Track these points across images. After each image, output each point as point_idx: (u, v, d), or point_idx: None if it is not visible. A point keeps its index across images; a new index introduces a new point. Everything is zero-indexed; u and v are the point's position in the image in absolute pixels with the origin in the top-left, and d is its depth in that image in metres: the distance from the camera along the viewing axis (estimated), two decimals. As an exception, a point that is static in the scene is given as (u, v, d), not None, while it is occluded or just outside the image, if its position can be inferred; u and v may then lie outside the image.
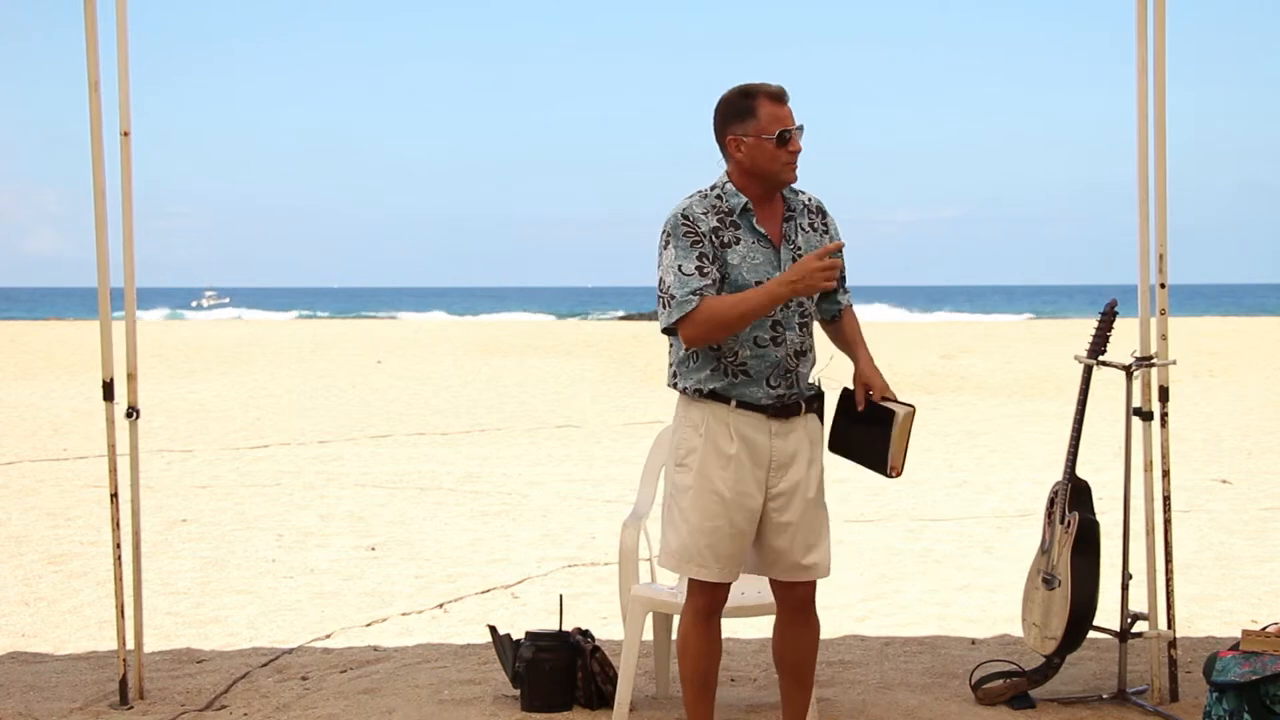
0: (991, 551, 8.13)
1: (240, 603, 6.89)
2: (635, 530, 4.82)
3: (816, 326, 4.11)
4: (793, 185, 3.98)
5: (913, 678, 5.21)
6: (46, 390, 19.52)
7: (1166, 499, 4.93)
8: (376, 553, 8.20)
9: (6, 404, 17.75)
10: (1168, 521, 4.92)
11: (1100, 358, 4.94)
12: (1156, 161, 4.84)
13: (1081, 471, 4.92)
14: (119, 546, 4.91)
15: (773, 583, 4.08)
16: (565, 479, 11.30)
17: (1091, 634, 4.85)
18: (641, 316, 48.51)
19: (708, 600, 4.00)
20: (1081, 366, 4.96)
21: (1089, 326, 5.14)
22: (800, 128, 3.90)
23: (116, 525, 4.90)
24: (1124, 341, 5.01)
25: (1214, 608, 6.56)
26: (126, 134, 4.88)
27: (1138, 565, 4.93)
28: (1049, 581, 4.82)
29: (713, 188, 3.95)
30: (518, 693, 4.86)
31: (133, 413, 4.92)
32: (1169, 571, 4.92)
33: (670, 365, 4.03)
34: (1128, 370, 4.90)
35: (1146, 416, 4.92)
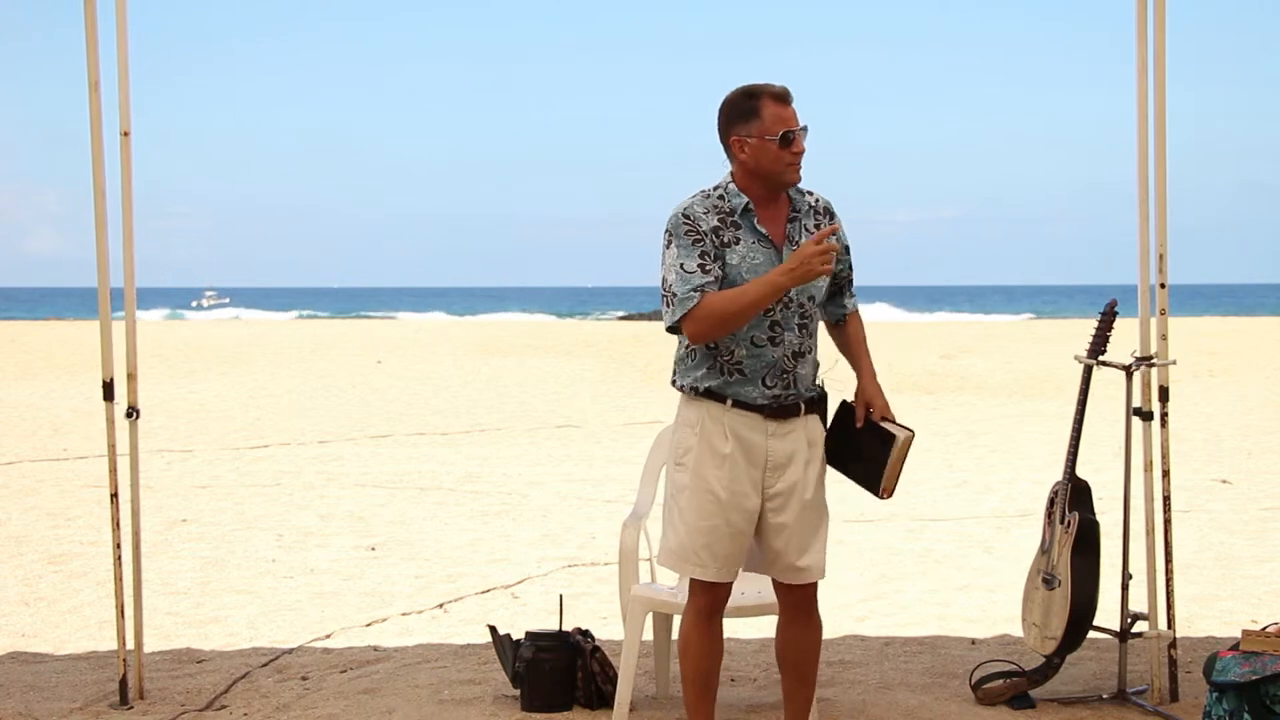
0: (991, 551, 8.14)
1: (240, 603, 6.89)
2: (635, 530, 4.82)
3: (823, 330, 4.10)
4: (800, 186, 3.98)
5: (913, 678, 5.21)
6: (46, 390, 19.52)
7: (1166, 499, 4.93)
8: (376, 553, 8.20)
9: (6, 404, 17.75)
10: (1168, 521, 4.92)
11: (1100, 358, 4.94)
12: (1156, 161, 4.84)
13: (1081, 471, 4.92)
14: (119, 546, 4.91)
15: (774, 582, 4.09)
16: (565, 479, 11.30)
17: (1091, 634, 4.85)
18: (642, 316, 48.50)
19: (709, 599, 4.00)
20: (1081, 366, 4.96)
21: (1089, 326, 5.14)
22: (804, 128, 3.89)
23: (116, 525, 4.90)
24: (1124, 341, 5.01)
25: (1214, 608, 6.56)
26: (126, 134, 4.88)
27: (1138, 565, 4.93)
28: (1049, 581, 4.82)
29: (716, 188, 3.95)
30: (518, 693, 4.86)
31: (133, 413, 4.92)
32: (1169, 571, 4.92)
33: (674, 364, 4.04)
34: (1128, 370, 4.90)
35: (1146, 416, 4.92)
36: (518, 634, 5.03)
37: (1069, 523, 4.79)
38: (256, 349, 26.83)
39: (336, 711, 4.80)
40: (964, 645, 5.75)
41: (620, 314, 60.42)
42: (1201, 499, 9.82)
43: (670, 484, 4.03)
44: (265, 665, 5.52)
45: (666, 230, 3.90)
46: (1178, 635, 4.97)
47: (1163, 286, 4.90)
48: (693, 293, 3.81)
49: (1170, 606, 4.90)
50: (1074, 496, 4.84)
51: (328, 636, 6.15)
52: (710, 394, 3.92)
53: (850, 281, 4.13)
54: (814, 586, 4.06)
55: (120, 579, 4.90)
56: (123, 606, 4.92)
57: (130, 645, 4.94)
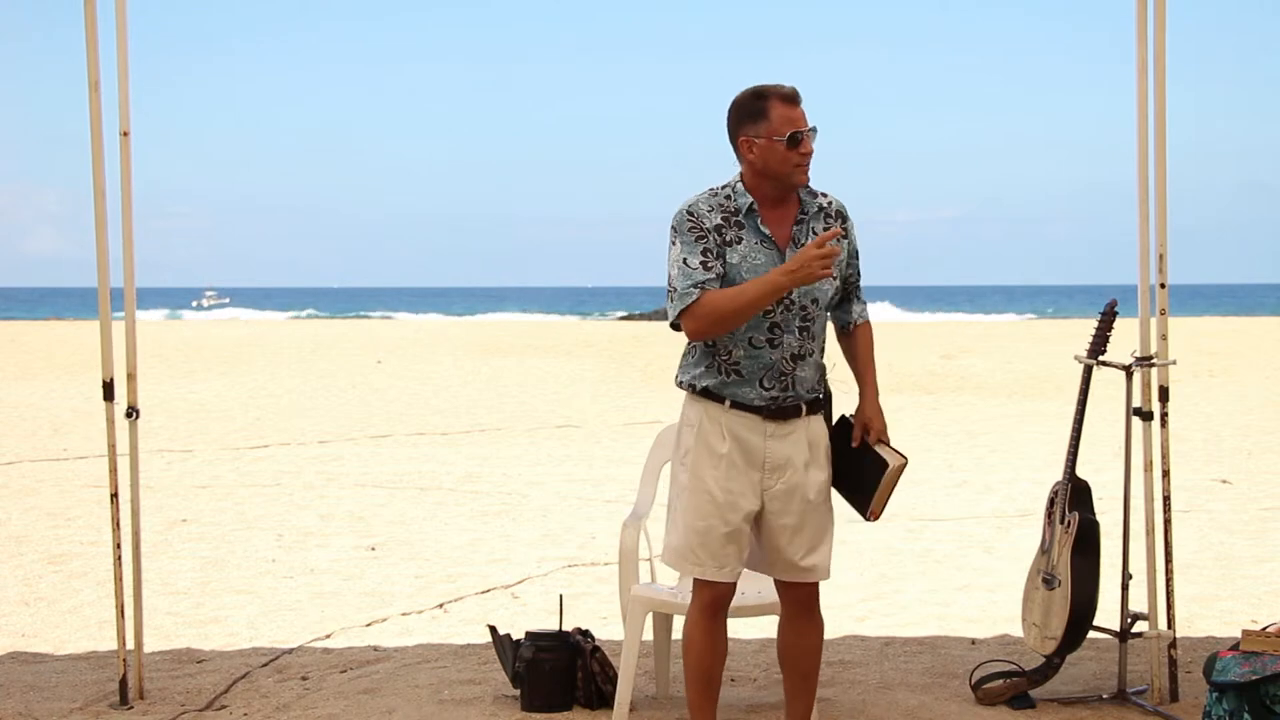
0: (991, 551, 8.13)
1: (240, 603, 6.88)
2: (635, 530, 4.82)
3: (831, 334, 4.08)
4: (813, 188, 3.98)
5: (913, 678, 5.21)
6: (46, 390, 19.52)
7: (1166, 499, 4.93)
8: (376, 553, 8.20)
9: (6, 404, 17.75)
10: (1168, 521, 4.92)
11: (1100, 358, 4.94)
12: (1156, 161, 4.84)
13: (1081, 471, 4.92)
14: (119, 546, 4.91)
15: (776, 581, 4.09)
16: (565, 479, 11.30)
17: (1091, 634, 4.85)
18: (642, 316, 48.50)
19: (710, 598, 4.00)
20: (1081, 366, 4.96)
21: (1089, 326, 5.14)
22: (813, 130, 3.88)
23: (116, 525, 4.90)
24: (1124, 341, 5.00)
25: (1214, 608, 6.56)
26: (126, 134, 4.88)
27: (1138, 565, 4.93)
28: (1049, 581, 4.82)
29: (724, 186, 3.95)
30: (518, 693, 4.86)
31: (133, 413, 4.92)
32: (1169, 571, 4.92)
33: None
34: (1128, 370, 4.90)
35: (1146, 416, 4.92)
36: (518, 634, 5.03)
37: (1069, 523, 4.79)
38: (256, 349, 26.83)
39: (336, 711, 4.80)
40: (964, 645, 5.75)
41: (620, 314, 60.41)
42: (1201, 499, 9.82)
43: (673, 483, 4.05)
44: (265, 665, 5.52)
45: (672, 227, 3.91)
46: (1178, 635, 4.97)
47: (1163, 286, 4.90)
48: (692, 289, 3.81)
49: (1170, 606, 4.90)
50: (1074, 496, 4.84)
51: (328, 636, 6.15)
52: (708, 393, 3.93)
53: (859, 288, 4.11)
54: (816, 586, 4.06)
55: (120, 579, 4.90)
56: (123, 606, 4.92)
57: (130, 645, 4.94)
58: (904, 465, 3.94)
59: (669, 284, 3.88)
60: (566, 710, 4.77)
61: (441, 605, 6.84)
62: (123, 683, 4.92)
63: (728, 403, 3.92)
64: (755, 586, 4.58)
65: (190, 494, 10.45)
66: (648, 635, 4.89)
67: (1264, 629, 4.29)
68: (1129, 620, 4.87)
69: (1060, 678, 4.96)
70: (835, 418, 4.06)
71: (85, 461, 12.27)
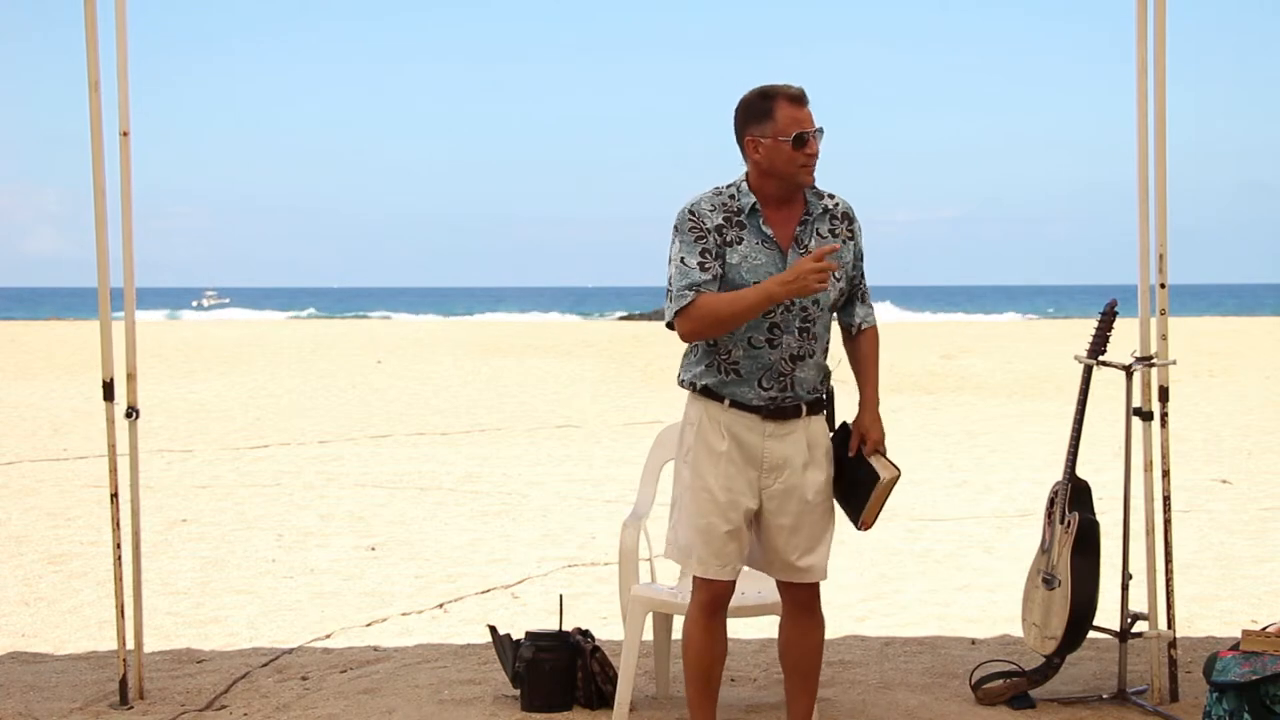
0: (991, 551, 8.14)
1: (240, 603, 6.89)
2: (635, 530, 4.82)
3: (836, 337, 4.07)
4: (819, 189, 3.97)
5: (913, 678, 5.21)
6: (46, 390, 19.52)
7: (1166, 499, 4.93)
8: (376, 553, 8.20)
9: (6, 404, 17.75)
10: (1168, 521, 4.91)
11: (1100, 358, 4.94)
12: (1156, 161, 4.84)
13: (1081, 471, 4.92)
14: (119, 546, 4.91)
15: (777, 580, 4.10)
16: (565, 479, 11.30)
17: (1091, 634, 4.85)
18: (642, 316, 48.49)
19: (708, 596, 4.00)
20: (1081, 366, 4.96)
21: (1089, 326, 5.14)
22: (819, 131, 3.87)
23: (116, 525, 4.90)
24: (1124, 341, 5.00)
25: (1214, 608, 6.56)
26: (126, 134, 4.88)
27: (1138, 565, 4.93)
28: (1049, 581, 4.82)
29: (729, 185, 3.95)
30: (518, 693, 4.86)
31: (132, 413, 4.92)
32: (1169, 571, 4.92)
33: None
34: (1128, 370, 4.90)
35: (1146, 416, 4.92)
36: (518, 634, 5.03)
37: (1069, 523, 4.79)
38: (256, 349, 26.83)
39: (336, 711, 4.80)
40: (964, 645, 5.75)
41: (620, 314, 60.41)
42: (1201, 499, 9.82)
43: (676, 480, 4.07)
44: (265, 665, 5.52)
45: (674, 225, 3.92)
46: (1178, 635, 4.97)
47: (1163, 286, 4.90)
48: (688, 290, 3.82)
49: (1170, 606, 4.90)
50: (1074, 496, 4.84)
51: (328, 636, 6.15)
52: (708, 392, 3.93)
53: (862, 292, 4.07)
54: (816, 586, 4.06)
55: (120, 579, 4.90)
56: (123, 606, 4.92)
57: (130, 645, 4.94)
58: (896, 479, 3.95)
59: (667, 283, 3.89)
60: (566, 710, 4.77)
61: (441, 605, 6.84)
62: (123, 683, 4.92)
63: (727, 402, 3.92)
64: (756, 586, 4.58)
65: (190, 494, 10.46)
66: (648, 635, 4.89)
67: (1264, 629, 4.29)
68: (1129, 620, 4.87)
69: (1060, 678, 4.96)
70: (839, 422, 4.07)
71: (85, 461, 12.27)
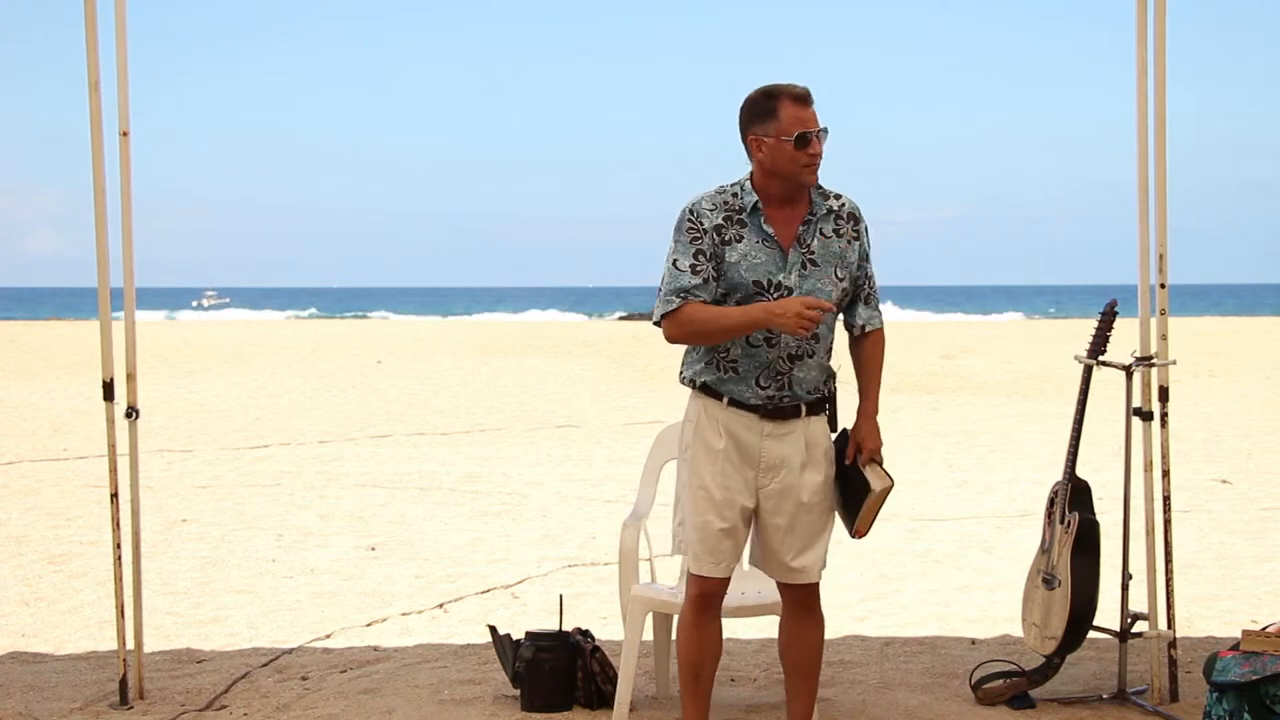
0: (991, 551, 8.14)
1: (240, 603, 6.89)
2: (635, 530, 4.82)
3: (840, 338, 4.06)
4: (825, 189, 3.97)
5: (913, 678, 5.21)
6: (46, 390, 19.52)
7: (1166, 499, 4.93)
8: (376, 553, 8.20)
9: (6, 404, 17.75)
10: (1168, 521, 4.91)
11: (1100, 358, 4.94)
12: (1156, 161, 4.84)
13: (1081, 471, 4.92)
14: (119, 546, 4.91)
15: (776, 580, 4.10)
16: (565, 479, 11.30)
17: (1091, 634, 4.85)
18: (642, 316, 48.50)
19: (699, 592, 4.01)
20: (1081, 366, 4.96)
21: (1089, 326, 5.14)
22: (824, 131, 3.87)
23: (116, 525, 4.90)
24: (1124, 341, 5.01)
25: (1214, 608, 6.56)
26: (126, 134, 4.88)
27: (1138, 565, 4.93)
28: (1049, 581, 4.82)
29: (733, 184, 3.96)
30: (518, 693, 4.86)
31: (132, 413, 4.92)
32: (1169, 571, 4.92)
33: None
34: (1128, 370, 4.90)
35: (1146, 416, 4.92)
36: (518, 634, 5.03)
37: (1069, 523, 4.79)
38: (256, 349, 26.84)
39: (336, 711, 4.80)
40: (964, 645, 5.75)
41: (620, 314, 60.40)
42: (1201, 499, 9.82)
43: (678, 477, 4.09)
44: (265, 665, 5.52)
45: (675, 224, 3.92)
46: (1178, 635, 4.97)
47: (1163, 286, 4.90)
48: (674, 296, 3.84)
49: (1170, 606, 4.90)
50: (1074, 496, 4.84)
51: (328, 636, 6.15)
52: (707, 389, 3.94)
53: (868, 294, 4.05)
54: (815, 586, 4.06)
55: (120, 579, 4.90)
56: (123, 606, 4.92)
57: (130, 645, 4.94)
58: (889, 489, 3.95)
59: (660, 282, 3.90)
60: (566, 710, 4.77)
61: (441, 605, 6.84)
62: (123, 683, 4.92)
63: (725, 399, 3.93)
64: (755, 586, 4.58)
65: (190, 494, 10.46)
66: (648, 635, 4.89)
67: (1264, 629, 4.29)
68: (1129, 620, 4.87)
69: (1060, 678, 4.96)
70: (841, 425, 4.07)
71: (85, 461, 12.27)
